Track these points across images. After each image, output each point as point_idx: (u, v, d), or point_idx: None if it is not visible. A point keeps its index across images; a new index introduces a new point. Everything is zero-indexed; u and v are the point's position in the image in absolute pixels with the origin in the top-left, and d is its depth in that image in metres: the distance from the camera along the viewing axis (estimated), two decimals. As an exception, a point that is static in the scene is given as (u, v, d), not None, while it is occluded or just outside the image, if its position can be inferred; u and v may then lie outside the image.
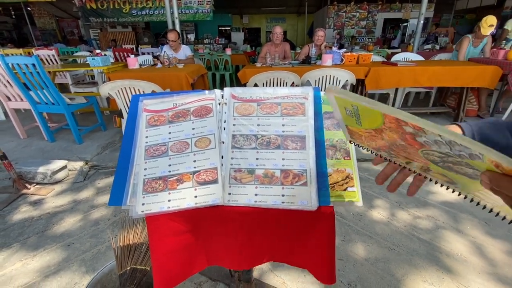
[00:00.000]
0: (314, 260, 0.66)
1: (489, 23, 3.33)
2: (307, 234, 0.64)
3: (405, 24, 9.21)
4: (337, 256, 1.52)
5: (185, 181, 0.62)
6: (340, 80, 2.88)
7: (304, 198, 0.59)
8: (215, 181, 0.61)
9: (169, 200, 0.61)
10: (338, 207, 1.96)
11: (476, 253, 1.54)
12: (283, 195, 0.60)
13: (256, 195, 0.61)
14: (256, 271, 1.45)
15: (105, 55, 3.75)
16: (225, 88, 0.71)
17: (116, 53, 4.83)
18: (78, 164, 2.55)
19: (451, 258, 1.50)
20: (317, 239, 0.63)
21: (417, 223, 1.78)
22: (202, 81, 3.67)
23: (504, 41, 4.12)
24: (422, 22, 4.41)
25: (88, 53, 5.44)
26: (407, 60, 3.91)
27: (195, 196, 0.61)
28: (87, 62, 3.37)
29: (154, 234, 0.65)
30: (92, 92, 3.75)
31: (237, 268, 0.70)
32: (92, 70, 3.83)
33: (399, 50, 6.14)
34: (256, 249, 0.67)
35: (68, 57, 5.50)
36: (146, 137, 0.69)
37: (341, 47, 7.16)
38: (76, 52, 6.14)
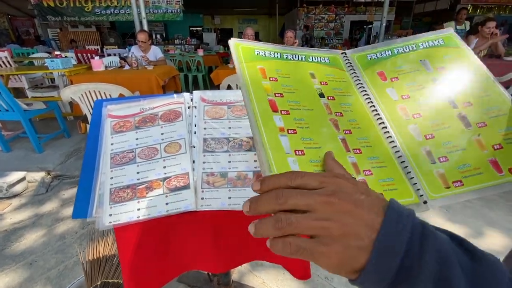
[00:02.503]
0: (288, 258, 0.67)
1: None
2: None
3: (370, 26, 9.73)
4: (314, 251, 1.56)
5: (155, 189, 0.60)
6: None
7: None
8: (186, 187, 0.60)
9: (138, 209, 0.59)
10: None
11: (439, 239, 1.67)
12: (256, 197, 0.61)
13: (229, 198, 0.61)
14: (236, 273, 1.44)
15: (65, 56, 3.51)
16: (194, 92, 0.70)
17: (79, 55, 4.54)
18: (39, 175, 2.35)
19: (417, 245, 1.61)
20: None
21: (387, 214, 1.89)
22: (174, 83, 3.58)
23: None
24: (384, 24, 4.68)
25: (46, 55, 5.05)
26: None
27: (166, 203, 0.59)
28: (46, 64, 3.13)
29: (123, 245, 0.62)
30: (52, 96, 3.48)
31: (214, 271, 0.69)
32: (51, 73, 3.56)
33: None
34: (232, 252, 0.66)
35: (24, 59, 5.07)
36: (112, 144, 0.65)
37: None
38: (33, 53, 5.66)
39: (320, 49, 0.52)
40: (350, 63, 0.50)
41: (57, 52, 3.70)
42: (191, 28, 13.07)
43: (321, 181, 0.24)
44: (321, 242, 0.22)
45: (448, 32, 0.51)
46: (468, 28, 4.18)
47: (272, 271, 1.43)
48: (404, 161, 0.39)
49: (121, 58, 4.20)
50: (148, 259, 0.64)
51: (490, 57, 3.51)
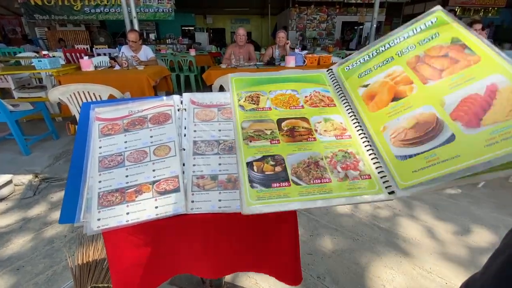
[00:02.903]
0: (279, 262, 0.67)
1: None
2: (272, 236, 0.65)
3: (361, 27, 9.85)
4: (307, 250, 1.57)
5: (144, 192, 0.59)
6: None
7: (267, 200, 0.61)
8: (176, 190, 0.60)
9: (127, 213, 0.58)
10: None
11: (428, 236, 1.70)
12: (247, 199, 0.61)
13: (220, 200, 0.61)
14: (229, 275, 1.44)
15: (53, 56, 3.43)
16: (184, 94, 0.69)
17: (67, 54, 4.45)
18: (26, 178, 2.30)
19: (407, 242, 1.64)
20: (282, 240, 0.65)
21: (378, 213, 1.92)
22: (165, 83, 3.54)
23: None
24: (375, 25, 4.75)
25: (34, 54, 4.92)
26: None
27: (156, 207, 0.58)
28: (33, 64, 3.05)
29: (112, 249, 0.61)
30: (40, 97, 3.40)
31: (206, 276, 0.69)
32: (39, 73, 3.48)
33: (356, 51, 6.54)
34: (223, 257, 0.66)
35: (10, 58, 4.93)
36: (100, 147, 0.64)
37: (303, 48, 7.42)
38: (20, 52, 5.52)
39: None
40: (335, 77, 0.56)
41: (45, 52, 3.62)
42: (183, 28, 12.97)
43: None
44: None
45: (434, 11, 0.51)
46: None
47: (264, 271, 1.43)
48: (375, 156, 0.44)
49: (111, 58, 4.13)
50: (137, 263, 0.64)
51: (476, 58, 3.60)
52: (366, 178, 0.43)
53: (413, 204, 2.02)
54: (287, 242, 0.65)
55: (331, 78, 0.57)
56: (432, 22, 0.50)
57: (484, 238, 1.66)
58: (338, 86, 0.55)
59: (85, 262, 1.10)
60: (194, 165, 0.63)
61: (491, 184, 2.22)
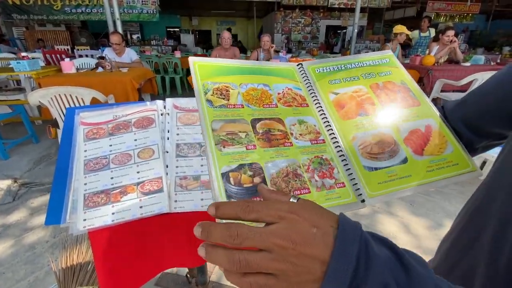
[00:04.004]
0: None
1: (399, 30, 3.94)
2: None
3: (344, 30, 10.13)
4: (290, 249, 1.62)
5: (129, 193, 0.63)
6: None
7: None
8: (160, 190, 0.63)
9: (112, 213, 0.61)
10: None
11: (404, 231, 1.80)
12: (227, 198, 0.65)
13: (202, 199, 0.65)
14: (215, 274, 1.47)
15: (33, 58, 3.33)
16: (167, 99, 0.73)
17: (47, 56, 4.32)
18: (5, 183, 2.23)
19: (385, 238, 1.73)
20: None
21: (358, 211, 2.01)
22: (150, 85, 3.52)
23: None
24: (356, 30, 4.92)
25: (11, 55, 4.75)
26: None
27: (140, 207, 0.62)
28: (11, 65, 2.96)
29: (98, 249, 0.64)
30: (18, 100, 3.30)
31: (190, 266, 0.72)
32: (17, 74, 3.37)
33: (340, 54, 6.75)
34: None
35: (-15, 59, 4.72)
36: (85, 151, 0.67)
37: (289, 51, 7.54)
38: (-5, 53, 5.31)
39: (276, 63, 0.57)
40: (306, 74, 0.55)
41: (24, 53, 3.51)
42: (168, 29, 12.84)
43: (276, 216, 0.25)
44: (279, 280, 0.24)
45: (388, 53, 0.59)
46: (433, 34, 4.52)
47: (250, 269, 1.47)
48: (347, 163, 0.45)
49: (100, 57, 3.99)
50: (124, 262, 0.66)
51: (449, 63, 3.82)
52: (341, 187, 0.42)
53: (391, 201, 2.12)
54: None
55: (301, 75, 0.54)
56: (386, 61, 0.57)
57: (455, 231, 1.78)
58: (309, 85, 0.53)
59: (69, 265, 1.10)
60: (177, 166, 0.67)
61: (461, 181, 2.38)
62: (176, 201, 0.64)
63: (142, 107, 0.72)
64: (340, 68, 0.56)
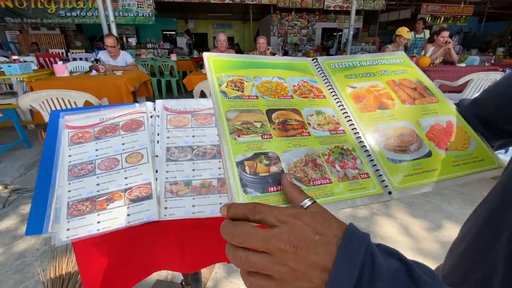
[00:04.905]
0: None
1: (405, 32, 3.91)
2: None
3: (340, 33, 10.18)
4: (288, 253, 1.59)
5: (116, 200, 0.59)
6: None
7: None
8: (149, 197, 0.60)
9: (98, 222, 0.57)
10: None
11: (403, 233, 1.78)
12: (220, 203, 0.62)
13: (193, 206, 0.61)
14: (211, 280, 1.43)
15: (24, 61, 3.28)
16: (157, 101, 0.70)
17: (41, 59, 4.26)
18: (-5, 189, 2.17)
19: (384, 240, 1.71)
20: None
21: (356, 213, 1.98)
22: (145, 88, 3.48)
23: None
24: (352, 33, 4.93)
25: (4, 59, 4.68)
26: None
27: (128, 215, 0.58)
28: (2, 69, 2.90)
29: (83, 260, 0.60)
30: (10, 104, 3.24)
31: (183, 271, 0.69)
32: (9, 78, 3.31)
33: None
34: (198, 253, 0.67)
35: (-23, 63, 4.65)
36: (69, 156, 0.63)
37: (285, 53, 7.54)
38: (-12, 57, 5.23)
39: (290, 57, 0.55)
40: (321, 68, 0.53)
41: (15, 57, 3.45)
42: (164, 32, 12.80)
43: (279, 220, 0.26)
44: (277, 284, 0.24)
45: (401, 53, 0.58)
46: (427, 36, 4.55)
47: (247, 275, 1.43)
48: (370, 154, 0.43)
49: (95, 60, 3.93)
50: (111, 273, 0.62)
51: (445, 64, 3.83)
52: (365, 177, 0.40)
53: (389, 202, 2.10)
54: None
55: (316, 68, 0.53)
56: (400, 61, 0.57)
57: (455, 233, 1.73)
58: (325, 78, 0.51)
59: (58, 275, 1.06)
60: (167, 171, 0.63)
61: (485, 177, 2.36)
62: (166, 208, 0.60)
63: (131, 109, 0.68)
64: (355, 65, 0.55)
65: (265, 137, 0.41)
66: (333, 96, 0.49)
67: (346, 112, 0.47)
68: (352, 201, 0.38)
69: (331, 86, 0.50)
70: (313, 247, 0.24)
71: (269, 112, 0.44)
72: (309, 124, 0.44)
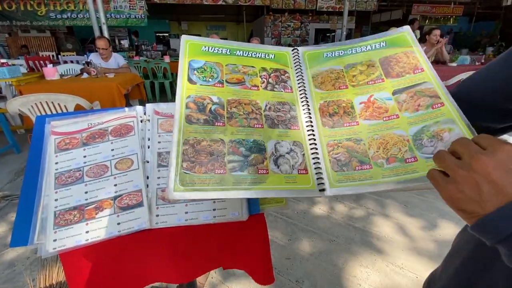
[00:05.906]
0: (250, 264, 0.67)
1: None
2: (240, 242, 0.65)
3: (333, 34, 10.26)
4: (285, 255, 1.58)
5: (105, 208, 0.57)
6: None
7: (235, 209, 0.60)
8: (140, 204, 0.58)
9: (87, 232, 0.55)
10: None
11: (399, 233, 1.78)
12: (214, 209, 0.60)
13: (186, 213, 0.59)
14: (207, 285, 1.41)
15: (13, 64, 3.21)
16: (147, 105, 0.68)
17: (31, 62, 4.18)
18: (-17, 197, 2.11)
19: (380, 240, 1.71)
20: (251, 245, 0.65)
21: (353, 214, 1.98)
22: (138, 91, 3.44)
23: None
24: (345, 33, 4.97)
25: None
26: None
27: (118, 223, 0.56)
28: (-10, 73, 2.83)
29: (71, 271, 0.57)
30: (-1, 108, 3.16)
31: (176, 282, 0.67)
32: (-2, 82, 3.23)
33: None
34: (192, 262, 0.65)
35: (-36, 67, 4.54)
36: (56, 163, 0.61)
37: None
38: (-24, 60, 5.10)
39: (270, 46, 0.55)
40: (298, 59, 0.52)
41: (3, 60, 3.37)
42: (157, 34, 12.73)
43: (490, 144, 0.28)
44: (455, 186, 0.29)
45: (404, 30, 0.52)
46: (418, 36, 4.60)
47: (244, 280, 1.41)
48: (316, 151, 0.44)
49: (86, 63, 3.87)
50: (100, 285, 0.60)
51: (436, 63, 3.88)
52: (303, 173, 0.43)
53: (385, 202, 2.10)
54: (257, 245, 0.65)
55: (294, 60, 0.53)
56: (383, 44, 0.53)
57: (450, 232, 1.76)
58: (299, 71, 0.51)
59: (48, 285, 1.02)
60: (158, 177, 0.61)
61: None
62: (158, 215, 0.58)
63: (120, 114, 0.66)
64: (340, 54, 0.53)
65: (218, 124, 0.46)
66: (300, 93, 0.49)
67: (309, 112, 0.47)
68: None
69: (302, 80, 0.50)
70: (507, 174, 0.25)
71: (229, 102, 0.47)
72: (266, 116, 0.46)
